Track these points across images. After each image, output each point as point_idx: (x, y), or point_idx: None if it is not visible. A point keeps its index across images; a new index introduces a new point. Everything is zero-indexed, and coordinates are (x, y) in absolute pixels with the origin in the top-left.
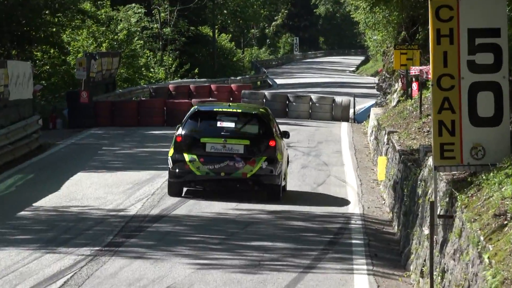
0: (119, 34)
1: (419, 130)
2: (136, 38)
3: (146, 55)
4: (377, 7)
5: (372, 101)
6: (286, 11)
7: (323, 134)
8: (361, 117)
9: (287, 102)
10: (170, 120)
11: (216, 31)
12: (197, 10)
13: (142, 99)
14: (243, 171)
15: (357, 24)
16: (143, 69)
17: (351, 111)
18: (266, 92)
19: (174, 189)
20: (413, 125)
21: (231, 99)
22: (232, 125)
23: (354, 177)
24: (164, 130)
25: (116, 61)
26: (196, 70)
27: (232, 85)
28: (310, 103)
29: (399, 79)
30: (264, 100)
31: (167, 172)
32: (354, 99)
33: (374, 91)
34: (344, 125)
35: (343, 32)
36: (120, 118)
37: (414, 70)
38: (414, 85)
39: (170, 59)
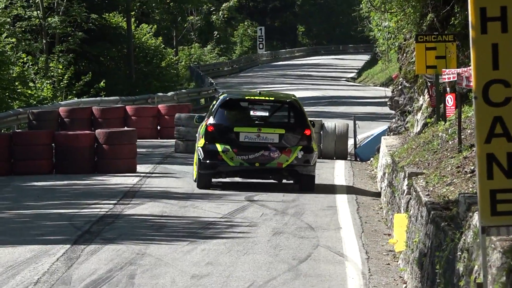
0: None
1: (458, 171)
2: (4, 35)
3: (22, 61)
4: None
5: (383, 126)
6: None
7: None
8: (367, 152)
9: None
10: (62, 163)
11: (133, 20)
12: None
13: (17, 131)
14: (278, 161)
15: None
16: (17, 83)
17: (351, 142)
18: None
19: (204, 181)
20: (448, 163)
21: (158, 128)
22: (265, 113)
23: (356, 248)
24: (53, 180)
25: None
26: (102, 83)
27: (161, 106)
28: None
29: (426, 90)
30: None
31: (58, 246)
32: (355, 124)
33: (386, 109)
34: (340, 165)
35: (335, 17)
36: None
37: (449, 74)
38: (449, 99)
39: (61, 67)
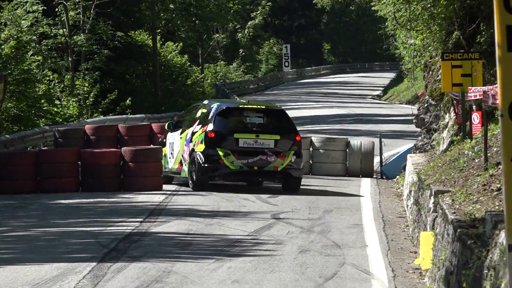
0: (3, 47)
1: (485, 189)
2: (30, 53)
3: (48, 78)
4: None
5: (409, 144)
6: (268, 4)
7: (333, 198)
8: (393, 170)
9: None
10: (89, 181)
11: (159, 38)
12: (127, 5)
13: (44, 149)
14: (274, 164)
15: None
16: (43, 101)
17: (377, 160)
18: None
19: (202, 184)
20: (474, 181)
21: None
22: (261, 121)
23: (383, 266)
24: (79, 198)
25: (0, 90)
26: (128, 101)
27: None
28: (311, 148)
29: (452, 108)
30: None
31: (85, 264)
32: (381, 141)
33: (411, 127)
34: (366, 183)
35: (361, 35)
36: (7, 181)
37: (475, 92)
38: (475, 117)
39: (86, 84)
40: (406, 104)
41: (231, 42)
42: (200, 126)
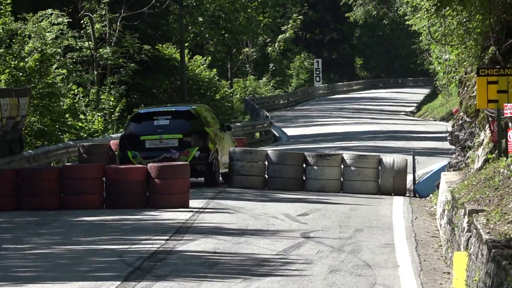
0: (27, 60)
1: None
2: (55, 66)
3: (73, 92)
4: (448, 8)
5: (443, 162)
6: (300, 17)
7: (364, 217)
8: (426, 188)
9: (304, 165)
10: (113, 198)
11: (187, 51)
12: (154, 18)
13: (68, 164)
14: (179, 161)
15: (417, 36)
16: (67, 115)
17: (409, 178)
18: (270, 150)
19: None
20: (510, 200)
21: None
22: (167, 122)
23: (415, 287)
24: (103, 215)
25: (24, 104)
26: None
27: None
28: (342, 166)
29: (487, 125)
30: (267, 163)
31: (109, 283)
32: (414, 159)
33: (446, 144)
34: (399, 202)
35: (394, 49)
36: (30, 197)
37: (511, 109)
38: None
39: (112, 99)
40: (440, 121)
41: (261, 56)
42: None
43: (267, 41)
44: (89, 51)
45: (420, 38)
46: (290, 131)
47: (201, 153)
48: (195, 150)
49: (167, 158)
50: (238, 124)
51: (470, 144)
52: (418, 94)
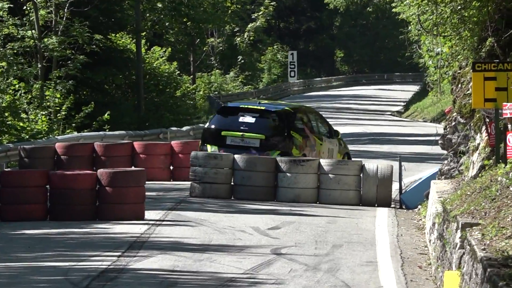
0: None
1: None
2: None
3: (13, 88)
4: None
5: (433, 169)
6: (272, 3)
7: (343, 231)
8: (414, 198)
9: (276, 171)
10: (59, 208)
11: (144, 42)
12: (107, 3)
13: (6, 170)
14: None
15: (406, 26)
16: (6, 114)
17: (395, 186)
18: (237, 155)
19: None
20: (509, 212)
21: (170, 168)
22: (252, 120)
23: None
24: (47, 228)
25: None
26: (106, 115)
27: (174, 143)
28: (319, 173)
29: (483, 127)
30: (233, 169)
31: None
32: (401, 165)
33: (437, 149)
34: (383, 214)
35: (380, 41)
36: None
37: (510, 109)
38: (511, 138)
39: (58, 95)
40: (430, 122)
41: (228, 47)
42: None
43: (235, 30)
44: (32, 41)
45: (409, 27)
46: None
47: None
48: (276, 153)
49: None
50: (201, 125)
51: (464, 148)
52: (406, 91)
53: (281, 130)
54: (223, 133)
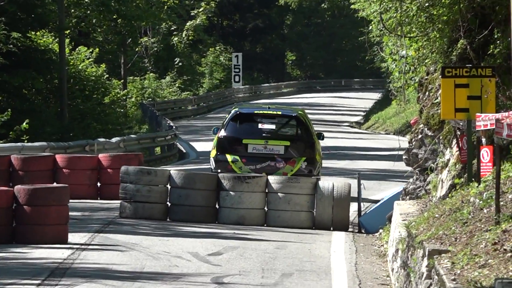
0: None
1: (495, 248)
2: None
3: None
4: None
5: (396, 188)
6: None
7: (294, 258)
8: (374, 221)
9: (218, 189)
10: None
11: (68, 41)
12: None
13: None
14: (284, 170)
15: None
16: None
17: (354, 208)
18: (174, 170)
19: None
20: (482, 238)
21: (98, 184)
22: (272, 126)
23: None
24: None
25: None
26: (25, 124)
27: (102, 156)
28: (267, 191)
29: (454, 141)
30: (169, 187)
31: None
32: (360, 183)
33: (400, 165)
34: (339, 238)
35: (337, 42)
36: None
37: (485, 121)
38: (485, 153)
39: None
40: (394, 134)
41: (163, 48)
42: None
43: (172, 29)
44: None
45: (370, 27)
46: (200, 146)
47: (308, 165)
48: (302, 160)
49: (271, 166)
50: (133, 136)
51: (432, 165)
52: (366, 99)
53: (304, 135)
54: (244, 141)
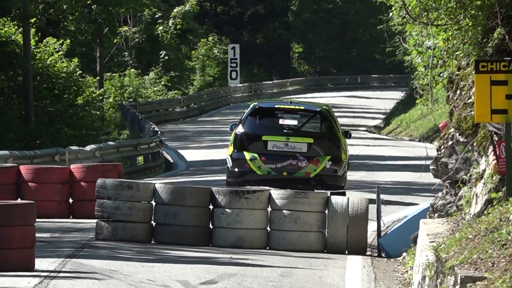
0: None
1: None
2: None
3: None
4: None
5: (422, 204)
6: None
7: (303, 287)
8: (397, 244)
9: (212, 207)
10: None
11: (34, 32)
12: None
13: None
14: (306, 170)
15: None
16: None
17: (372, 227)
18: (159, 184)
19: None
20: None
21: (69, 200)
22: (294, 122)
23: None
24: None
25: None
26: None
27: (74, 167)
28: (270, 208)
29: (490, 148)
30: (154, 203)
31: None
32: (380, 199)
33: (427, 177)
34: (355, 264)
35: (351, 31)
36: None
37: None
38: None
39: None
40: (419, 141)
41: (147, 39)
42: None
43: (157, 16)
44: None
45: (391, 13)
46: (190, 155)
47: (333, 164)
48: (326, 159)
49: (292, 165)
50: (110, 143)
51: (464, 176)
52: (387, 99)
53: (329, 131)
54: (264, 137)
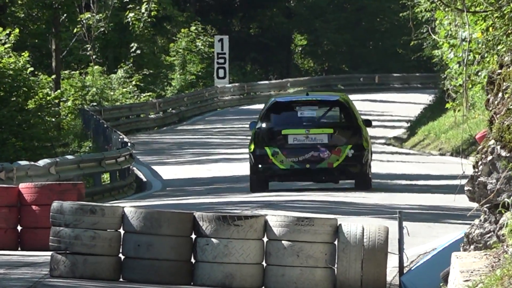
0: None
1: None
2: None
3: None
4: None
5: (455, 233)
6: None
7: None
8: (423, 282)
9: (195, 236)
10: None
11: None
12: None
13: None
14: (329, 161)
15: None
16: None
17: (392, 262)
18: (129, 207)
19: (257, 186)
20: None
21: (18, 228)
22: (313, 114)
23: None
24: None
25: None
26: None
27: (24, 187)
28: (266, 238)
29: None
30: (123, 231)
31: None
32: (402, 226)
33: (462, 200)
34: None
35: (366, 19)
36: None
37: None
38: None
39: None
40: (451, 155)
41: (114, 29)
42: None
43: (127, 0)
44: None
45: None
46: (168, 171)
47: (355, 152)
48: (348, 148)
49: (315, 157)
50: (69, 157)
51: (507, 200)
52: (411, 104)
53: (348, 120)
54: (284, 132)
